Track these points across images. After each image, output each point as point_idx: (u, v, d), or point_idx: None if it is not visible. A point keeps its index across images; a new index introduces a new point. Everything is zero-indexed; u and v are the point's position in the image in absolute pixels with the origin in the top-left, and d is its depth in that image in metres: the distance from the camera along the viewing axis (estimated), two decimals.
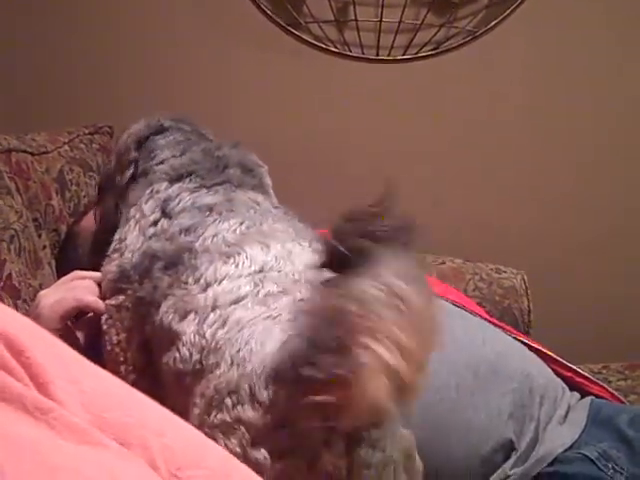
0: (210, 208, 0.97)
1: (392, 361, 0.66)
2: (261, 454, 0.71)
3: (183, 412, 0.74)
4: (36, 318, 1.00)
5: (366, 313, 0.66)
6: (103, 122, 1.64)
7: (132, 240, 1.00)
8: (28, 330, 0.56)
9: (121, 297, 0.98)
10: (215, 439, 0.71)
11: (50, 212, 1.36)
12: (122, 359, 0.97)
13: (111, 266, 1.01)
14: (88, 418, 0.53)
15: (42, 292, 1.05)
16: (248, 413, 0.72)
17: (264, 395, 0.72)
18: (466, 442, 1.09)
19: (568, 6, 1.78)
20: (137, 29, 1.82)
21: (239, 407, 0.72)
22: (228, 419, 0.73)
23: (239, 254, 0.88)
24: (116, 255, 1.01)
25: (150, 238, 0.98)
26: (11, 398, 0.50)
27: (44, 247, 1.30)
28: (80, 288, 1.01)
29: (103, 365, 0.92)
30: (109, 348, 0.98)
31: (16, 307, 1.13)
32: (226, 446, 0.71)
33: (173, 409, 0.60)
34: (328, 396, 0.66)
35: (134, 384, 0.63)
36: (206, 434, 0.67)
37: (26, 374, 0.53)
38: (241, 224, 0.94)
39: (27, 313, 1.11)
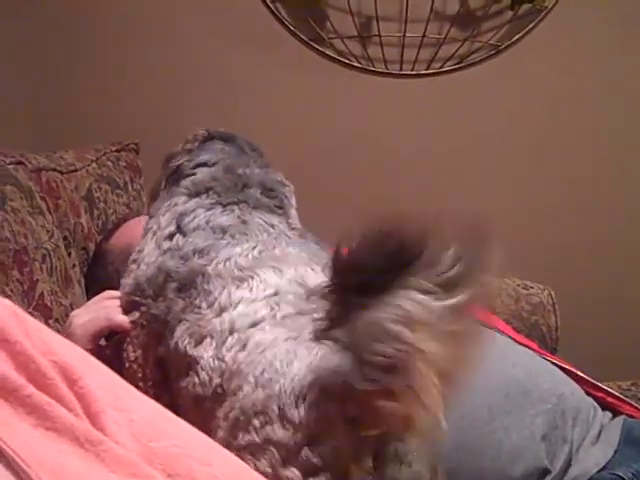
0: (224, 230, 0.97)
1: (435, 380, 0.66)
2: (292, 473, 0.71)
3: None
4: (68, 337, 1.00)
5: (407, 331, 0.66)
6: (129, 139, 1.65)
7: (148, 252, 1.00)
8: (82, 359, 0.57)
9: (137, 313, 0.98)
10: (244, 461, 0.71)
11: (79, 230, 1.37)
12: (140, 375, 0.97)
13: (128, 279, 1.01)
14: (136, 448, 0.54)
15: (74, 312, 1.06)
16: (278, 433, 0.72)
17: (294, 414, 0.71)
18: (498, 464, 1.08)
19: (591, 20, 1.77)
20: (164, 48, 1.84)
21: (268, 427, 0.72)
22: (257, 440, 0.73)
23: (252, 278, 0.89)
24: (134, 267, 1.02)
25: (165, 253, 0.98)
26: (63, 429, 0.51)
27: (74, 266, 1.31)
28: (111, 308, 1.01)
29: None
30: (127, 365, 0.99)
31: (48, 326, 1.13)
32: (256, 467, 0.71)
33: None
34: (391, 403, 0.66)
35: (156, 399, 0.63)
36: None
37: (79, 404, 0.53)
38: (254, 248, 0.94)
39: (59, 333, 1.12)
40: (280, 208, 1.05)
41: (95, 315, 1.02)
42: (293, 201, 1.09)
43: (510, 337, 1.26)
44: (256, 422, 0.73)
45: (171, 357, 0.90)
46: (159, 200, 1.07)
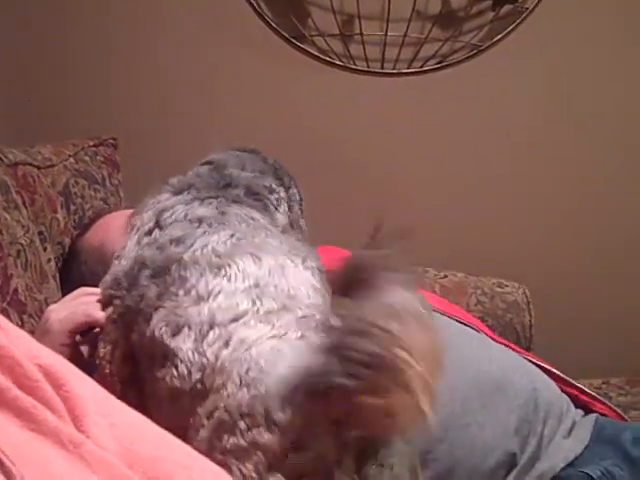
0: (201, 220, 0.96)
1: (426, 376, 0.66)
2: (277, 479, 0.70)
3: (180, 431, 0.74)
4: (45, 333, 1.01)
5: (393, 329, 0.66)
6: (108, 134, 1.64)
7: (129, 248, 1.00)
8: (64, 365, 0.58)
9: (110, 308, 0.98)
10: (228, 465, 0.70)
11: (55, 225, 1.36)
12: (107, 371, 0.97)
13: (108, 274, 1.01)
14: (118, 450, 0.54)
15: (50, 307, 1.05)
16: (265, 436, 0.71)
17: (280, 417, 0.71)
18: (470, 459, 1.10)
19: (573, 20, 1.79)
20: (141, 40, 1.83)
21: (254, 430, 0.71)
22: (243, 443, 0.71)
23: (230, 266, 0.87)
24: (115, 262, 1.02)
25: (143, 247, 0.98)
26: (47, 431, 0.52)
27: (49, 260, 1.30)
28: (90, 303, 1.01)
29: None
30: (97, 362, 0.99)
31: (22, 322, 1.13)
32: (240, 472, 0.70)
33: (168, 427, 0.60)
34: (376, 399, 0.66)
35: (121, 395, 0.63)
36: (217, 459, 0.67)
37: (64, 407, 0.54)
38: (232, 236, 0.93)
39: (35, 328, 1.12)
40: (264, 210, 1.04)
41: (73, 311, 1.02)
42: (281, 208, 1.08)
43: (484, 334, 1.28)
44: (242, 424, 0.72)
45: (145, 345, 0.88)
46: (147, 197, 1.06)
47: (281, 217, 1.07)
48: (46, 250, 1.30)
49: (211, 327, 0.81)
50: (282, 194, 1.09)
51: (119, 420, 0.58)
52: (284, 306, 0.82)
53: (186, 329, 0.83)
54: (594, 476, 1.10)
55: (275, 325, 0.80)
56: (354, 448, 0.72)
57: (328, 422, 0.70)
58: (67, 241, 1.38)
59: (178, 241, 0.93)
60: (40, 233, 1.30)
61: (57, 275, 1.32)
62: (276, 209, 1.07)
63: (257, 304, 0.82)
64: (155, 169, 1.82)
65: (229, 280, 0.85)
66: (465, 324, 1.27)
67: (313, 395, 0.69)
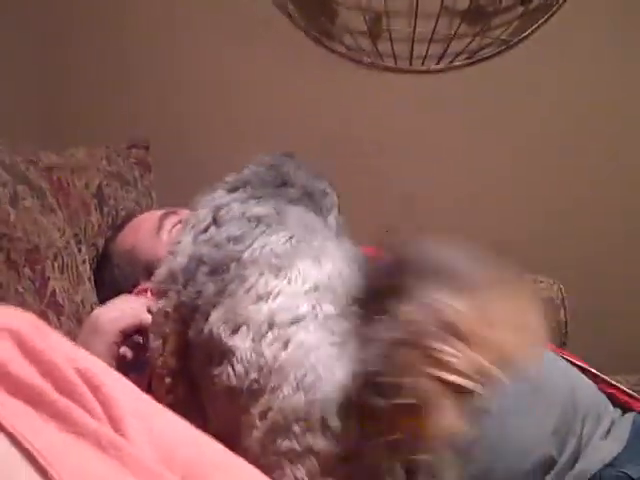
0: (259, 219, 0.96)
1: (460, 381, 0.65)
2: None
3: (234, 429, 0.74)
4: (94, 331, 1.02)
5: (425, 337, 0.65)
6: (140, 137, 1.65)
7: (184, 244, 1.00)
8: (103, 368, 0.58)
9: (162, 302, 0.98)
10: (281, 466, 0.70)
11: (89, 227, 1.38)
12: (159, 363, 0.98)
13: (161, 269, 1.01)
14: (156, 455, 0.54)
15: (98, 309, 1.07)
16: (319, 442, 0.70)
17: (336, 424, 0.70)
18: (508, 459, 1.09)
19: (603, 15, 1.76)
20: (175, 46, 1.84)
21: (309, 435, 0.71)
22: (297, 447, 0.71)
23: (290, 268, 0.87)
24: (170, 257, 1.02)
25: (199, 244, 0.98)
26: (87, 433, 0.52)
27: (84, 262, 1.32)
28: (140, 306, 1.03)
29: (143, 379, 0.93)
30: (149, 353, 1.00)
31: (60, 323, 1.15)
32: (294, 475, 0.70)
33: (222, 423, 0.60)
34: (395, 429, 0.65)
35: (171, 387, 0.63)
36: (270, 461, 0.67)
37: (102, 410, 0.54)
38: (290, 238, 0.92)
39: (72, 329, 1.13)
40: (319, 213, 1.03)
41: (123, 312, 1.03)
42: (333, 212, 1.08)
43: None
44: (296, 428, 0.72)
45: (202, 342, 0.88)
46: (200, 194, 1.06)
47: (332, 222, 1.06)
48: (81, 252, 1.32)
49: (270, 327, 0.81)
50: (335, 198, 1.08)
51: (157, 423, 0.58)
52: (342, 313, 0.81)
53: (244, 328, 0.83)
54: (634, 477, 1.09)
55: (334, 332, 0.80)
56: (405, 458, 0.71)
57: (379, 432, 0.69)
58: (101, 243, 1.40)
59: (236, 239, 0.92)
60: (75, 235, 1.31)
61: (92, 277, 1.34)
62: (329, 213, 1.06)
63: (317, 309, 0.82)
64: (185, 170, 1.84)
65: (289, 282, 0.85)
66: None
67: (357, 410, 0.69)
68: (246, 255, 0.90)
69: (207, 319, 0.88)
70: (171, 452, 0.55)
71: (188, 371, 0.92)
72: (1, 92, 1.50)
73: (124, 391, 0.58)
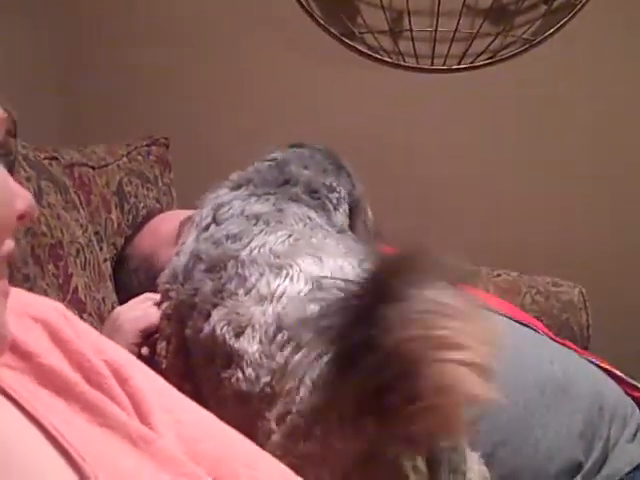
0: (257, 217, 0.95)
1: (476, 359, 0.65)
2: None
3: (250, 433, 0.73)
4: (115, 331, 1.02)
5: (431, 327, 0.65)
6: (160, 134, 1.65)
7: (188, 244, 1.00)
8: (130, 360, 0.57)
9: (165, 304, 0.98)
10: (303, 468, 0.70)
11: (110, 225, 1.37)
12: (164, 366, 0.97)
13: (167, 269, 1.01)
14: (183, 448, 0.54)
15: (119, 308, 1.07)
16: (340, 443, 0.70)
17: (356, 423, 0.69)
18: (534, 461, 1.08)
19: (627, 14, 1.74)
20: (194, 44, 1.84)
21: (330, 437, 0.70)
22: (318, 449, 0.71)
23: (291, 267, 0.86)
24: (175, 258, 1.01)
25: (199, 242, 0.98)
26: (117, 426, 0.51)
27: (105, 260, 1.31)
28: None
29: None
30: (156, 358, 0.99)
31: (82, 320, 1.14)
32: (315, 476, 0.69)
33: (235, 427, 0.60)
34: (415, 422, 0.65)
35: (178, 389, 0.62)
36: (292, 463, 0.66)
37: (130, 402, 0.53)
38: (289, 236, 0.91)
39: (94, 326, 1.12)
40: (322, 209, 1.03)
41: (145, 312, 1.03)
42: (341, 208, 1.07)
43: (545, 334, 1.25)
44: (317, 430, 0.71)
45: (202, 342, 0.88)
46: (207, 193, 1.06)
47: (340, 217, 1.05)
48: (102, 250, 1.31)
49: (278, 330, 0.80)
50: (343, 193, 1.07)
51: (185, 417, 0.57)
52: None
53: (250, 330, 0.82)
54: None
55: None
56: (426, 453, 0.71)
57: (398, 427, 0.69)
58: (120, 241, 1.39)
59: (235, 237, 0.92)
60: (96, 233, 1.31)
61: (112, 275, 1.33)
62: (335, 208, 1.05)
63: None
64: (205, 168, 1.83)
65: (291, 281, 0.84)
66: (523, 324, 1.25)
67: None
68: (244, 254, 0.90)
69: (207, 319, 0.88)
70: (198, 445, 0.55)
71: (191, 372, 0.91)
72: (23, 91, 1.50)
73: (151, 384, 0.58)
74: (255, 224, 0.94)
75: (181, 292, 0.94)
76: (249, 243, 0.91)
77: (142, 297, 1.09)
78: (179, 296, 0.95)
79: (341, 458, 0.70)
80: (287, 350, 0.78)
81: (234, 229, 0.94)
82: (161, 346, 0.99)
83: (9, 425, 0.48)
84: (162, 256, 1.23)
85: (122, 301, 1.18)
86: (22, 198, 0.49)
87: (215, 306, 0.87)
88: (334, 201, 1.05)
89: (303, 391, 0.74)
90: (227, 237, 0.93)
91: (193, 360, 0.91)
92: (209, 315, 0.88)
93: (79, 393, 0.52)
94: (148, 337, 1.05)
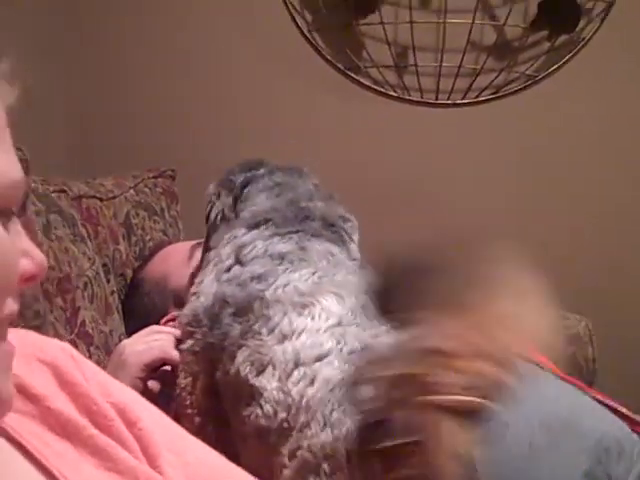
0: (282, 257, 0.96)
1: (456, 399, 0.64)
2: None
3: (266, 470, 0.73)
4: (120, 365, 1.02)
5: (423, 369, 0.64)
6: (166, 166, 1.66)
7: (207, 284, 1.00)
8: (137, 401, 0.57)
9: (190, 341, 0.98)
10: None
11: (118, 257, 1.38)
12: (188, 402, 0.97)
13: (186, 309, 1.02)
14: None
15: (125, 341, 1.07)
16: (346, 479, 0.70)
17: (362, 463, 0.70)
18: None
19: (630, 51, 1.76)
20: (201, 76, 1.86)
21: (338, 474, 0.71)
22: None
23: (314, 305, 0.87)
24: (193, 298, 1.02)
25: (222, 284, 0.98)
26: (125, 470, 0.51)
27: (112, 292, 1.32)
28: (165, 340, 1.02)
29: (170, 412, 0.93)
30: (177, 392, 0.99)
31: (89, 353, 1.14)
32: None
33: (255, 463, 0.60)
34: (406, 464, 0.64)
35: (200, 427, 0.62)
36: None
37: (138, 446, 0.53)
38: (313, 274, 0.92)
39: (101, 360, 1.13)
40: (341, 242, 1.04)
41: (149, 346, 1.03)
42: (355, 237, 1.07)
43: (551, 371, 1.25)
44: (326, 467, 0.72)
45: (230, 383, 0.89)
46: (220, 232, 1.06)
47: (354, 247, 1.06)
48: (109, 282, 1.32)
49: (296, 366, 0.81)
50: (355, 221, 1.08)
51: (193, 458, 0.57)
52: (366, 346, 0.81)
53: (270, 368, 0.83)
54: None
55: None
56: None
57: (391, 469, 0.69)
58: (129, 273, 1.40)
59: (260, 278, 0.93)
60: (104, 265, 1.32)
61: (120, 307, 1.34)
62: (351, 239, 1.06)
63: (341, 343, 0.82)
64: None
65: (312, 319, 0.85)
66: (529, 360, 1.25)
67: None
68: (269, 293, 0.91)
69: (233, 360, 0.88)
70: None
71: (218, 411, 0.91)
72: (31, 125, 1.51)
73: (159, 425, 0.58)
74: (280, 264, 0.95)
75: (209, 335, 0.95)
76: (274, 282, 0.92)
77: (147, 330, 1.09)
78: (206, 339, 0.95)
79: None
80: (301, 385, 0.79)
81: (259, 269, 0.95)
82: (186, 382, 0.98)
83: (17, 474, 0.48)
84: (175, 276, 1.25)
85: (134, 327, 1.19)
86: (32, 259, 0.48)
87: (240, 347, 0.88)
88: (349, 231, 1.06)
89: (314, 426, 0.74)
90: (252, 278, 0.94)
91: (224, 403, 0.92)
92: (235, 356, 0.88)
93: (87, 437, 0.52)
94: (153, 370, 1.04)
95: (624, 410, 1.21)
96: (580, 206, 1.81)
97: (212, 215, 1.11)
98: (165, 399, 1.01)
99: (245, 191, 1.10)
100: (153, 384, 1.04)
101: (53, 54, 1.81)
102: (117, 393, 0.57)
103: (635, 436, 1.18)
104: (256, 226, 1.02)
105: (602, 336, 1.60)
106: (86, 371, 0.58)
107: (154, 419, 0.58)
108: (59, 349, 0.59)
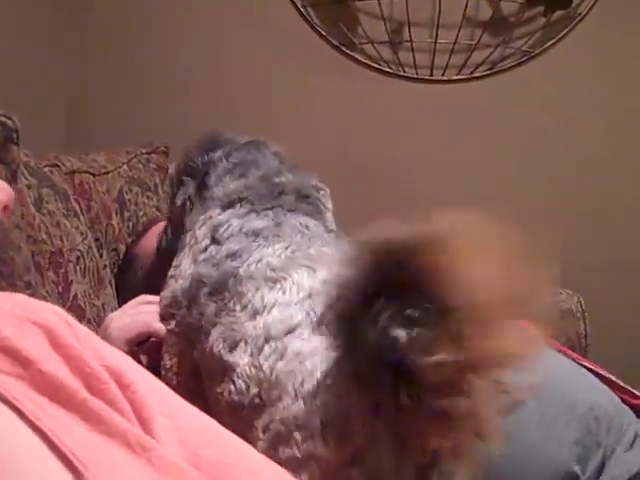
0: (256, 233, 0.95)
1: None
2: None
3: None
4: (104, 339, 1.01)
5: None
6: (159, 142, 1.66)
7: (185, 266, 1.00)
8: (130, 365, 0.57)
9: (173, 322, 0.98)
10: None
11: (110, 232, 1.38)
12: (175, 383, 0.97)
13: (166, 292, 1.01)
14: (184, 455, 0.54)
15: (111, 315, 1.06)
16: (319, 449, 0.70)
17: (338, 430, 0.70)
18: (529, 471, 1.08)
19: (626, 26, 1.76)
20: (194, 52, 1.85)
21: (309, 442, 0.70)
22: (298, 454, 0.71)
23: (285, 279, 0.86)
24: (172, 281, 1.02)
25: (199, 264, 0.98)
26: (116, 433, 0.51)
27: (105, 266, 1.32)
28: (149, 313, 1.02)
29: None
30: (163, 372, 0.99)
31: None
32: None
33: None
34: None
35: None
36: None
37: (131, 409, 0.53)
38: (286, 248, 0.91)
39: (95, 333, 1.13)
40: (317, 213, 1.04)
41: (132, 320, 1.02)
42: (329, 205, 1.07)
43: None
44: (298, 436, 0.71)
45: (206, 361, 0.89)
46: (194, 213, 1.06)
47: (330, 216, 1.06)
48: (102, 256, 1.32)
49: (266, 341, 0.80)
50: (327, 189, 1.08)
51: (186, 422, 0.57)
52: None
53: (242, 344, 0.83)
54: None
55: (329, 336, 0.80)
56: (415, 460, 0.70)
57: (391, 437, 0.68)
58: (122, 248, 1.40)
59: (234, 255, 0.92)
60: (96, 240, 1.32)
61: (112, 281, 1.34)
62: (326, 207, 1.06)
63: (311, 315, 0.81)
64: None
65: (284, 293, 0.84)
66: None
67: (375, 410, 0.67)
68: (243, 270, 0.90)
69: (208, 338, 0.88)
70: (199, 451, 0.55)
71: (203, 391, 0.91)
72: (25, 99, 1.51)
73: (152, 389, 0.58)
74: (254, 240, 0.95)
75: (187, 316, 0.94)
76: (247, 259, 0.92)
77: (136, 300, 1.08)
78: (185, 319, 0.95)
79: (321, 464, 0.69)
80: (272, 359, 0.79)
81: (234, 247, 0.95)
82: (171, 362, 0.98)
83: (11, 433, 0.49)
84: None
85: (126, 302, 1.19)
86: (2, 190, 0.48)
87: (215, 325, 0.88)
88: (323, 200, 1.06)
89: (286, 399, 0.74)
90: (227, 256, 0.94)
91: (202, 381, 0.92)
92: (209, 334, 0.89)
93: (80, 401, 0.52)
94: (140, 344, 1.04)
95: (616, 379, 1.22)
96: (575, 182, 1.81)
97: (178, 202, 1.10)
98: (156, 371, 1.01)
99: (206, 179, 1.09)
100: (141, 357, 1.04)
101: (50, 35, 1.80)
102: (111, 357, 0.57)
103: (626, 406, 1.18)
104: (231, 205, 1.01)
105: (594, 312, 1.60)
106: (80, 335, 0.58)
107: (148, 383, 0.58)
108: (52, 312, 0.59)
